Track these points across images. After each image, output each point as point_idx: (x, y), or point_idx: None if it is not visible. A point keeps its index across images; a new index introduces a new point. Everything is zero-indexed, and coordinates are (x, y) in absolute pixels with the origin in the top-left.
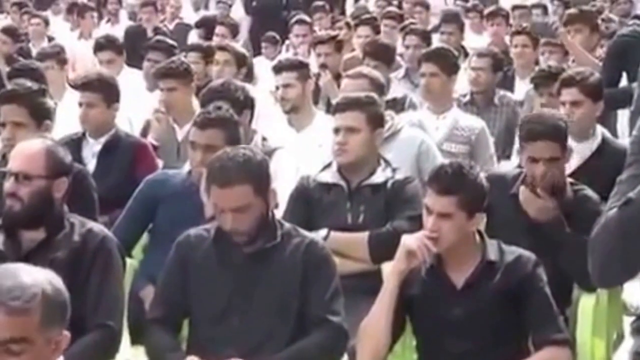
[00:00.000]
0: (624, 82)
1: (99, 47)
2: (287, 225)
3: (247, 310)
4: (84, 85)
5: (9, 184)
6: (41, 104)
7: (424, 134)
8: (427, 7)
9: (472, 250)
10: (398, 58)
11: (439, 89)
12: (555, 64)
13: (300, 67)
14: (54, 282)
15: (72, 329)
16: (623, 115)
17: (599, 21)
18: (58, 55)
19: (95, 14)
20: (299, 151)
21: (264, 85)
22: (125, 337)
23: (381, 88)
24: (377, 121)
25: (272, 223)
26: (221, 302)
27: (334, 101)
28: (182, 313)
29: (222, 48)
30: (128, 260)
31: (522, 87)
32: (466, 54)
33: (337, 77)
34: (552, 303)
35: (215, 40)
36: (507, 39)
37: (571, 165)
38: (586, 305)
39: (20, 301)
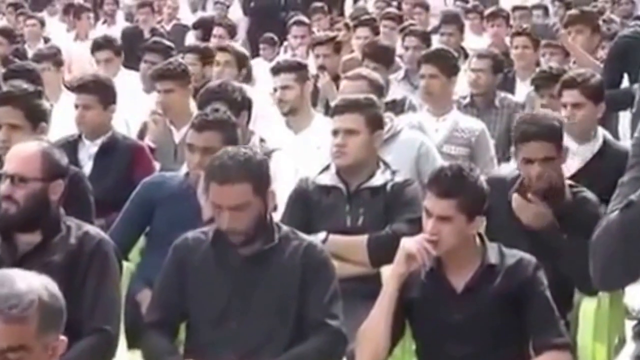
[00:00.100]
0: (625, 83)
1: (97, 46)
2: (285, 228)
3: (246, 314)
4: (80, 87)
5: (4, 187)
6: (37, 106)
7: (424, 136)
8: (426, 8)
9: (472, 253)
10: (397, 59)
11: (439, 91)
12: (557, 65)
13: (298, 69)
14: (50, 287)
15: (68, 333)
16: (624, 117)
17: (600, 22)
18: (54, 57)
19: (91, 15)
20: (298, 153)
21: (262, 86)
22: (122, 341)
23: (380, 90)
24: (376, 123)
25: (270, 225)
26: (219, 305)
27: (332, 103)
28: (180, 316)
29: (223, 49)
30: (125, 264)
31: (523, 89)
32: (466, 56)
33: (336, 78)
34: (553, 307)
35: (213, 42)
36: (507, 40)
37: (572, 167)
38: (587, 309)
39: (18, 309)
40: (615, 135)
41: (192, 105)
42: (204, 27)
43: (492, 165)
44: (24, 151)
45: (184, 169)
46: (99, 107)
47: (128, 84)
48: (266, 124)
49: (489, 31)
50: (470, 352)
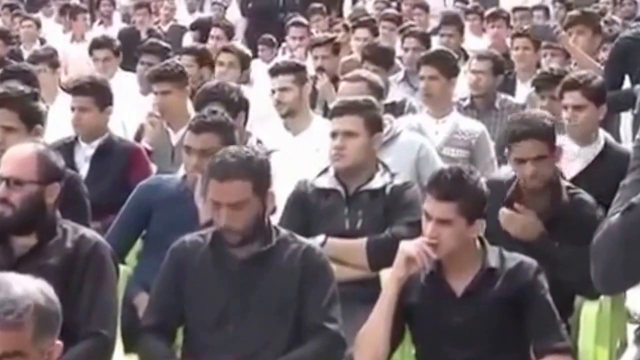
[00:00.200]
0: (626, 84)
1: (96, 45)
2: (283, 231)
3: (244, 317)
4: (76, 89)
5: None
6: (32, 108)
7: (424, 139)
8: (426, 8)
9: (473, 257)
10: (397, 61)
11: (439, 93)
12: (558, 66)
13: (296, 70)
14: (46, 291)
15: (64, 337)
16: (626, 119)
17: (602, 23)
18: (51, 58)
19: (87, 16)
20: (296, 156)
21: (260, 88)
22: (119, 346)
23: (380, 91)
24: (375, 125)
25: (268, 227)
26: (217, 308)
27: (331, 105)
28: (177, 320)
29: (227, 49)
30: (121, 267)
31: (524, 91)
32: (466, 57)
33: (335, 80)
34: (554, 311)
35: (211, 43)
36: (507, 41)
37: (573, 169)
38: (589, 313)
39: (13, 315)
40: (617, 137)
41: (190, 107)
42: (202, 28)
43: (493, 167)
44: (20, 153)
45: (181, 172)
46: (95, 109)
47: (125, 85)
48: (264, 125)
49: (489, 32)
50: (470, 356)
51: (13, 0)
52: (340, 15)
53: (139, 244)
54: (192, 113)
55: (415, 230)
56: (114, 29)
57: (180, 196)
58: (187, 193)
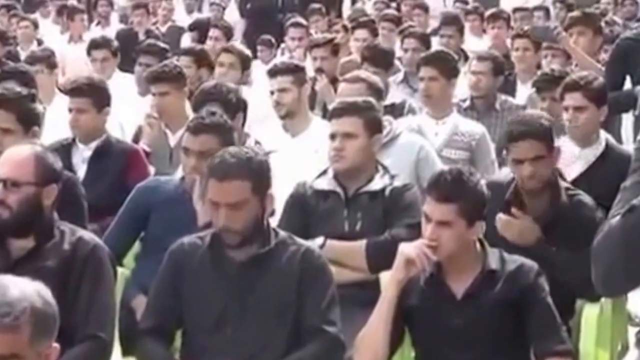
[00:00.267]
0: (627, 85)
1: (94, 44)
2: (282, 233)
3: (242, 320)
4: (74, 91)
5: None
6: (30, 109)
7: (423, 140)
8: (426, 9)
9: (473, 259)
10: (396, 62)
11: (439, 94)
12: (559, 67)
13: (295, 71)
14: (43, 294)
15: (61, 340)
16: (627, 120)
17: (603, 24)
18: (48, 59)
19: (85, 17)
20: (295, 157)
21: (259, 89)
22: (117, 349)
23: (379, 92)
24: (374, 126)
25: (267, 229)
26: (215, 311)
27: (330, 106)
28: (175, 323)
29: (228, 50)
30: (119, 269)
31: (524, 92)
32: (466, 58)
33: (334, 81)
34: (555, 313)
35: (209, 44)
36: (508, 42)
37: (574, 171)
38: (590, 315)
39: (10, 318)
40: (618, 138)
41: (188, 108)
42: (200, 29)
43: (493, 169)
44: (17, 155)
45: (179, 173)
46: (93, 110)
47: (123, 86)
48: (263, 126)
49: (489, 33)
50: (470, 359)
51: (10, 1)
52: (340, 15)
53: (136, 246)
54: (191, 114)
55: (415, 232)
56: (112, 29)
57: (179, 198)
58: (185, 195)
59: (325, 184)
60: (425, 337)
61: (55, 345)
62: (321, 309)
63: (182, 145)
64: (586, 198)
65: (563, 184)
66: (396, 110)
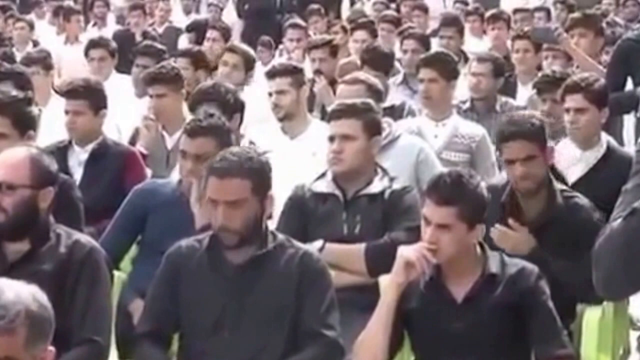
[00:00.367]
0: (629, 86)
1: (92, 44)
2: (280, 236)
3: (240, 323)
4: (70, 93)
5: None
6: (25, 114)
7: (423, 142)
8: (425, 10)
9: (473, 262)
10: (396, 63)
11: (438, 95)
12: (559, 69)
13: (294, 73)
14: (39, 297)
15: (57, 344)
16: (629, 121)
17: (604, 25)
18: (44, 61)
19: (81, 18)
20: (293, 159)
21: (258, 90)
22: (113, 353)
23: (378, 94)
24: (374, 129)
25: (265, 232)
26: (213, 314)
27: (329, 108)
28: (172, 327)
29: (232, 50)
30: (116, 273)
31: (524, 93)
32: (466, 59)
33: (333, 82)
34: (556, 317)
35: (207, 45)
36: (508, 43)
37: (575, 173)
38: (591, 319)
39: (5, 320)
40: (620, 140)
41: (185, 110)
42: (198, 30)
43: (493, 171)
44: (13, 157)
45: (176, 176)
46: (89, 112)
47: (119, 88)
48: (262, 128)
49: (489, 34)
50: None
51: (5, 2)
52: (339, 16)
53: (133, 250)
54: (188, 116)
55: (414, 235)
56: (108, 30)
57: (176, 201)
58: (182, 198)
59: (324, 186)
60: (425, 341)
61: (51, 348)
62: (320, 312)
63: (179, 148)
64: (583, 200)
65: (559, 186)
66: (395, 112)
